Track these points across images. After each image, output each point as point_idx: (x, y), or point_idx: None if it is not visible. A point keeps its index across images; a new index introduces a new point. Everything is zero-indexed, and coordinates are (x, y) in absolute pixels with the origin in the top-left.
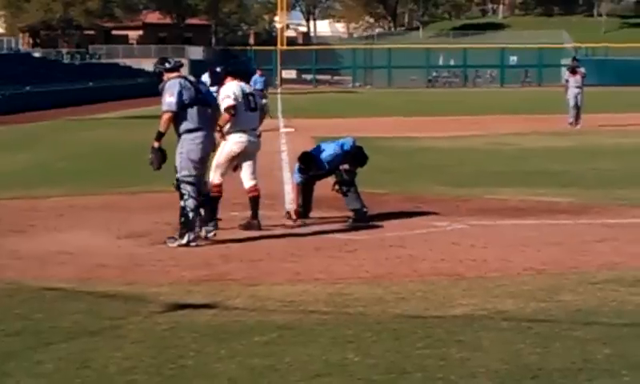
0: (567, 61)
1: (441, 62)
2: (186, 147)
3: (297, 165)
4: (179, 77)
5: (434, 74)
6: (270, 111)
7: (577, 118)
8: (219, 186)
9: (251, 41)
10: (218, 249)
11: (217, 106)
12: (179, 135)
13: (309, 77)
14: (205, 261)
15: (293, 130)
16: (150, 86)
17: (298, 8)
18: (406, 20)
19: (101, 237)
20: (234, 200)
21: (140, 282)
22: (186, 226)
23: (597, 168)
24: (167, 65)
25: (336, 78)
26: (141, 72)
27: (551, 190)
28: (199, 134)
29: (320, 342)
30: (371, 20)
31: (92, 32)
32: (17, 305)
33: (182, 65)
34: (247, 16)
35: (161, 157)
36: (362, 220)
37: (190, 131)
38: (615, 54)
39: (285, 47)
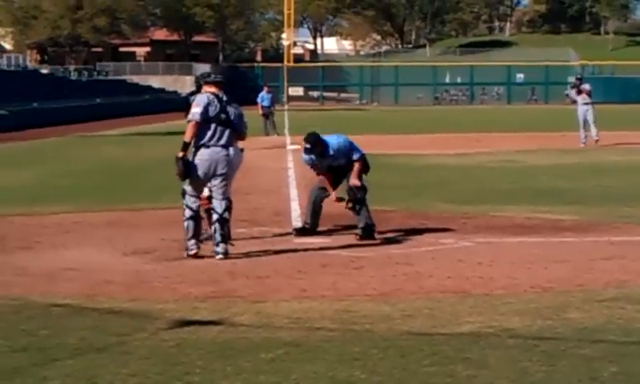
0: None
1: (447, 80)
2: (195, 160)
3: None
4: (214, 93)
5: (445, 92)
6: (277, 128)
7: (588, 134)
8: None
9: (258, 58)
10: (224, 265)
11: (243, 133)
12: (193, 148)
13: (316, 94)
14: (211, 277)
15: (300, 147)
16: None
17: (305, 25)
18: (413, 37)
19: (107, 253)
20: (240, 217)
21: (146, 298)
22: (185, 234)
23: (603, 185)
24: (208, 78)
25: (343, 95)
26: (148, 89)
27: (557, 208)
28: (207, 151)
29: (326, 359)
30: (378, 37)
31: (99, 49)
32: (23, 321)
33: (222, 81)
34: (254, 33)
35: (183, 167)
36: (370, 236)
37: (200, 147)
38: (622, 71)
39: (292, 64)
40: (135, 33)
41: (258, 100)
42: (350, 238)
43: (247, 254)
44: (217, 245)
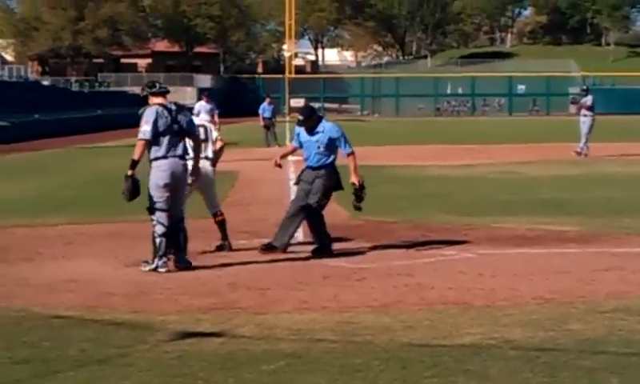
0: (575, 90)
1: (449, 91)
2: (154, 174)
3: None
4: (160, 104)
5: (445, 103)
6: (278, 139)
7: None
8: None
9: (259, 69)
10: (226, 277)
11: (196, 136)
12: (150, 162)
13: (317, 105)
14: (213, 289)
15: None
16: None
17: (306, 36)
18: (414, 49)
19: (108, 265)
20: (240, 228)
21: (147, 310)
22: (156, 251)
23: (604, 197)
24: (154, 89)
25: (344, 106)
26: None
27: (559, 219)
28: (165, 162)
29: (328, 370)
30: (379, 48)
31: (101, 60)
32: (25, 333)
33: (168, 91)
34: (255, 44)
35: (132, 186)
36: (324, 253)
37: (157, 159)
38: (623, 82)
39: (293, 75)
40: (136, 44)
41: (260, 111)
42: (351, 249)
43: (248, 266)
44: (176, 254)
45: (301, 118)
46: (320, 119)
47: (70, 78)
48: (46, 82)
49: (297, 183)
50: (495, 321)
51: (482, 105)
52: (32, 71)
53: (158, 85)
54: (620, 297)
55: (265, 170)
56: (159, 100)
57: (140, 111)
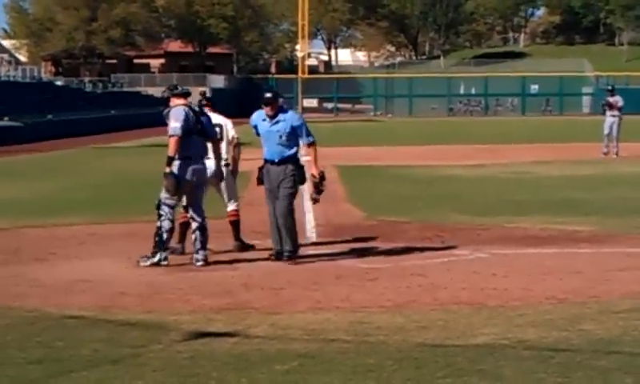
0: (589, 89)
1: (462, 91)
2: (179, 171)
3: None
4: (185, 105)
5: (459, 103)
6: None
7: (614, 146)
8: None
9: (273, 69)
10: (239, 277)
11: (217, 139)
12: (178, 159)
13: (330, 105)
14: (226, 289)
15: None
16: None
17: (319, 37)
18: (427, 49)
19: (121, 265)
20: (254, 228)
21: (160, 310)
22: (159, 245)
23: (618, 196)
24: (176, 90)
25: (357, 106)
26: (162, 100)
27: (572, 219)
28: (187, 162)
29: (341, 370)
30: (392, 49)
31: (114, 61)
32: (38, 333)
33: (189, 93)
34: (269, 45)
35: (174, 180)
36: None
37: (184, 158)
38: (636, 82)
39: (306, 76)
40: (150, 44)
41: None
42: (363, 250)
43: (262, 266)
44: (197, 252)
45: (263, 103)
46: (281, 108)
47: (83, 79)
48: (59, 83)
49: (260, 184)
50: (509, 321)
51: (495, 105)
52: (45, 72)
53: (179, 87)
54: (634, 297)
55: None
56: (182, 101)
57: (165, 111)
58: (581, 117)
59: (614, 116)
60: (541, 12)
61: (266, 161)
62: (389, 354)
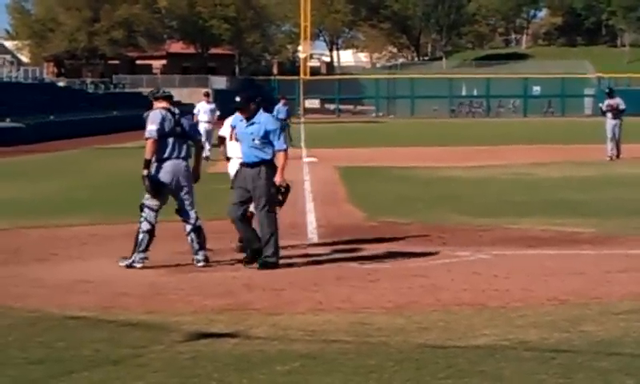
0: (590, 91)
1: (464, 92)
2: (156, 173)
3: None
4: (164, 108)
5: (459, 105)
6: (293, 141)
7: (618, 149)
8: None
9: (275, 70)
10: (240, 278)
11: (198, 140)
12: (156, 162)
13: (332, 106)
14: (227, 290)
15: (315, 159)
16: None
17: (321, 38)
18: (429, 50)
19: (123, 265)
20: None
21: (162, 310)
22: (136, 246)
23: (619, 198)
24: (157, 94)
25: (359, 107)
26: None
27: (573, 220)
28: (169, 163)
29: (342, 371)
30: (394, 50)
31: (116, 61)
32: (39, 333)
33: (171, 96)
34: (271, 46)
35: (151, 183)
36: (267, 267)
37: (161, 160)
38: (638, 84)
39: (308, 77)
40: (152, 45)
41: (274, 112)
42: (365, 250)
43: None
44: (196, 253)
45: (235, 104)
46: (258, 109)
47: (85, 80)
48: (61, 84)
49: (232, 188)
50: (510, 322)
51: (497, 106)
52: (47, 72)
53: (161, 90)
54: (635, 298)
55: None
56: (163, 104)
57: (145, 115)
58: (583, 118)
59: (616, 117)
60: (543, 13)
61: (241, 163)
62: (390, 355)
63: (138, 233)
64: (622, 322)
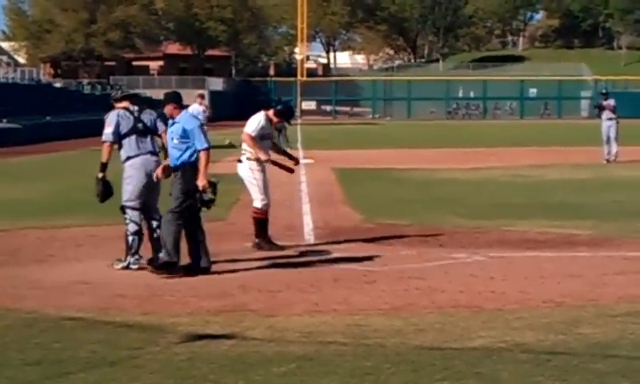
0: (587, 93)
1: (460, 94)
2: (127, 173)
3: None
4: (123, 108)
5: (454, 105)
6: (290, 142)
7: (609, 151)
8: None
9: (271, 72)
10: (236, 279)
11: (158, 131)
12: (122, 163)
13: (328, 108)
14: (223, 291)
15: (312, 161)
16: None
17: (318, 40)
18: (426, 52)
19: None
20: (251, 231)
21: (158, 312)
22: (127, 249)
23: (616, 200)
24: (116, 96)
25: (355, 109)
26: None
27: (570, 222)
28: (138, 159)
29: (338, 373)
30: (391, 52)
31: (113, 63)
32: (36, 334)
33: (130, 95)
34: (267, 47)
35: (103, 188)
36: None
37: (130, 158)
38: (635, 86)
39: (305, 78)
40: (148, 47)
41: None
42: (362, 252)
43: (259, 268)
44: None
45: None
46: (182, 108)
47: (82, 81)
48: (58, 85)
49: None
50: (506, 324)
51: (494, 108)
52: (44, 74)
53: (120, 91)
54: (631, 300)
55: (275, 173)
56: (122, 104)
57: (105, 117)
58: (579, 120)
59: (610, 119)
60: (540, 16)
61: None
62: (386, 356)
63: (127, 236)
64: (619, 324)
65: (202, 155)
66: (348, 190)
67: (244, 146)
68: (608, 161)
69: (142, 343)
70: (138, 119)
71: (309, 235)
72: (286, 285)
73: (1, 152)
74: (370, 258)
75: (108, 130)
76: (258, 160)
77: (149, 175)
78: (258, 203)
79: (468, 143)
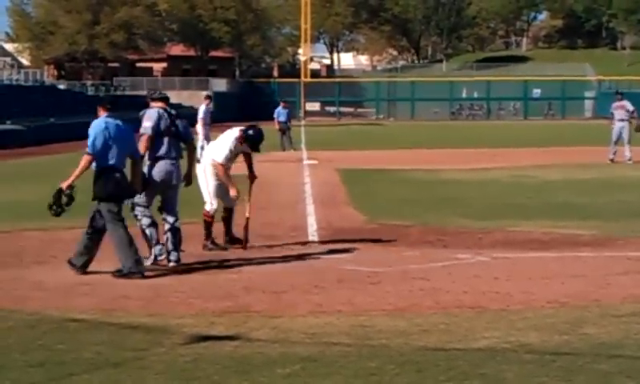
0: (591, 93)
1: (464, 95)
2: (149, 171)
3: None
4: (161, 107)
5: (458, 106)
6: (294, 144)
7: (618, 151)
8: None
9: (275, 73)
10: (240, 280)
11: (190, 142)
12: (149, 160)
13: (332, 109)
14: (228, 292)
15: (316, 162)
16: None
17: (321, 41)
18: (430, 53)
19: None
20: (257, 232)
21: (162, 313)
22: (149, 241)
23: (620, 200)
24: (154, 95)
25: (359, 110)
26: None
27: (574, 223)
28: (161, 162)
29: (343, 374)
30: (394, 53)
31: (116, 64)
32: (40, 336)
33: (166, 98)
34: (271, 48)
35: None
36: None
37: (154, 159)
38: (639, 86)
39: (308, 79)
40: (152, 48)
41: (275, 115)
42: (366, 253)
43: (263, 269)
44: (169, 253)
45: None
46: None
47: (85, 82)
48: (61, 86)
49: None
50: (510, 325)
51: (498, 109)
52: (48, 75)
53: (158, 92)
54: (635, 301)
55: (280, 174)
56: (159, 104)
57: (141, 113)
58: (583, 121)
59: (622, 120)
60: (543, 16)
61: None
62: (390, 357)
63: (144, 230)
64: (623, 324)
65: (82, 159)
66: (352, 190)
67: (209, 151)
68: (612, 161)
69: (147, 344)
70: (173, 122)
71: (313, 236)
72: (290, 286)
73: (4, 154)
74: (373, 259)
75: (148, 124)
76: (215, 166)
77: (167, 179)
78: (207, 206)
79: (472, 144)
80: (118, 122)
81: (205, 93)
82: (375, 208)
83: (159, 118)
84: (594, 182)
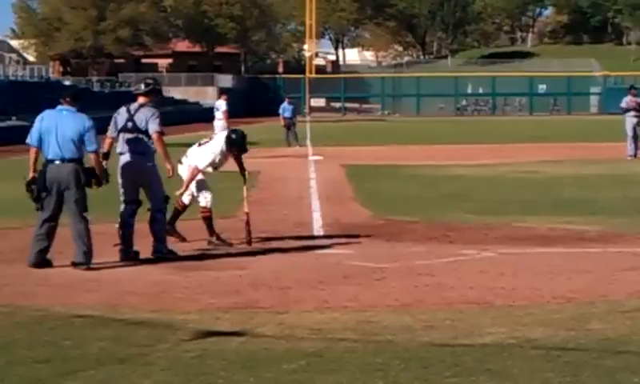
0: (596, 89)
1: (469, 90)
2: (117, 169)
3: None
4: (131, 103)
5: (464, 102)
6: (299, 139)
7: (636, 148)
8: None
9: (280, 69)
10: (246, 276)
11: (150, 134)
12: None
13: (337, 105)
14: (233, 288)
15: (321, 158)
16: (180, 114)
17: (327, 36)
18: (435, 48)
19: (128, 264)
20: (260, 228)
21: (168, 309)
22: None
23: (626, 196)
24: (137, 90)
25: (365, 106)
26: (170, 100)
27: (580, 218)
28: (122, 157)
29: (348, 369)
30: (400, 48)
31: (122, 60)
32: (46, 332)
33: (150, 91)
34: (276, 44)
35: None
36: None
37: (119, 154)
38: None
39: (313, 75)
40: (157, 44)
41: (280, 111)
42: (370, 248)
43: (269, 265)
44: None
45: None
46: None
47: (91, 78)
48: (67, 82)
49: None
50: (516, 320)
51: (503, 104)
52: (53, 71)
53: (143, 85)
54: None
55: (285, 170)
56: (142, 99)
57: (154, 113)
58: (588, 116)
59: (637, 116)
60: (548, 12)
61: None
62: (396, 353)
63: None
64: (629, 320)
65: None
66: (357, 186)
67: (191, 155)
68: (632, 157)
69: (152, 340)
70: (130, 118)
71: (318, 232)
72: (295, 282)
73: (10, 150)
74: (379, 255)
75: (109, 127)
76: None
77: (135, 175)
78: (202, 202)
79: (477, 139)
80: (65, 112)
81: (217, 89)
82: (381, 204)
83: (115, 117)
84: (600, 177)
